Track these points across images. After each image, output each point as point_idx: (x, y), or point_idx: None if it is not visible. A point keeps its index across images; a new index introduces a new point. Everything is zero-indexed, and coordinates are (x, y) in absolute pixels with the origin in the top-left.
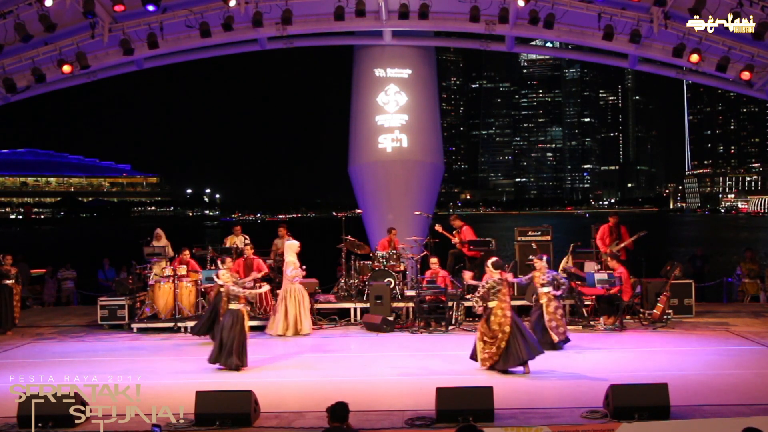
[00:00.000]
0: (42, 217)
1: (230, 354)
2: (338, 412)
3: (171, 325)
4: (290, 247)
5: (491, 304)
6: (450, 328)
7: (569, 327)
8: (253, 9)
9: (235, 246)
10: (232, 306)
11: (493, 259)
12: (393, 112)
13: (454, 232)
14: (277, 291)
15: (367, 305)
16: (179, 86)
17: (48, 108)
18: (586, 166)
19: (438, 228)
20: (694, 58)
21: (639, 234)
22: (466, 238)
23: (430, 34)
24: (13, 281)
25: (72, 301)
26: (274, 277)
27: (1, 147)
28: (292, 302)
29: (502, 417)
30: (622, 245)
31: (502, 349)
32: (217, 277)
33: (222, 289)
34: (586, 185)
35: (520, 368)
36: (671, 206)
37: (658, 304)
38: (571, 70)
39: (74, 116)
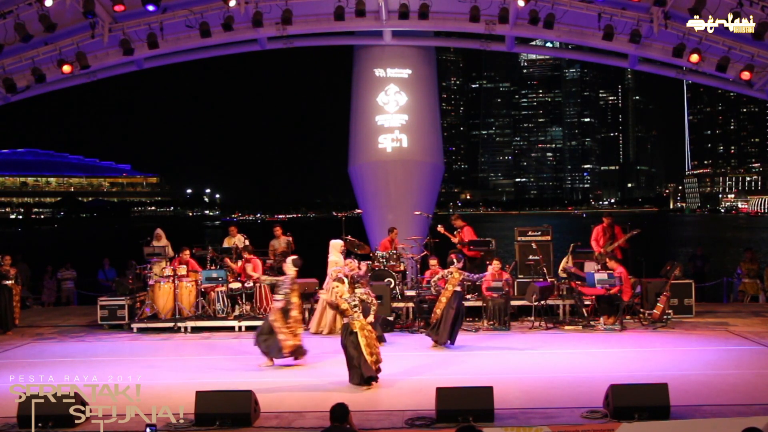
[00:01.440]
0: (42, 217)
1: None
2: (338, 412)
3: (171, 325)
4: (334, 247)
5: (293, 299)
6: None
7: (569, 327)
8: (253, 9)
9: (234, 246)
10: (344, 320)
11: (294, 257)
12: (393, 112)
13: (455, 232)
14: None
15: None
16: (179, 86)
17: (48, 108)
18: (586, 166)
19: (440, 228)
20: (694, 58)
21: (632, 232)
22: (467, 238)
23: (430, 34)
24: (13, 282)
25: (72, 301)
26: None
27: (1, 147)
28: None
29: (502, 417)
30: (616, 244)
31: (300, 337)
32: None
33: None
34: (586, 185)
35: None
36: (671, 206)
37: (658, 304)
38: (571, 70)
39: (74, 116)
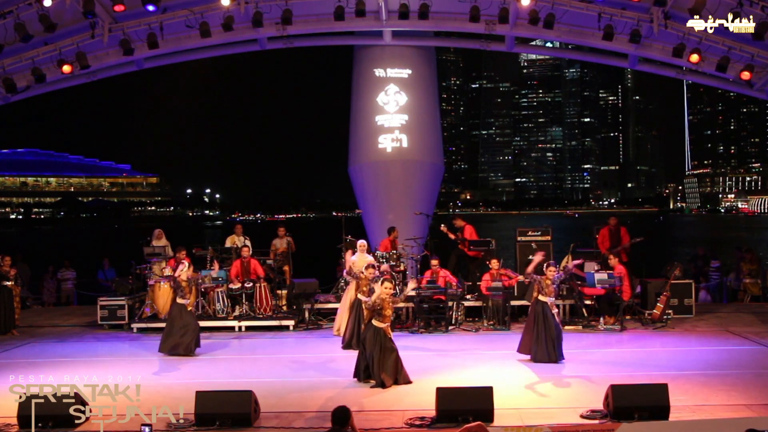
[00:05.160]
0: (42, 217)
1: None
2: (339, 416)
3: None
4: (361, 247)
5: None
6: (450, 328)
7: (569, 327)
8: (253, 9)
9: (235, 246)
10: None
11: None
12: (393, 112)
13: (457, 233)
14: (277, 291)
15: None
16: (179, 86)
17: (48, 108)
18: (586, 166)
19: (443, 228)
20: (694, 58)
21: (636, 240)
22: (468, 238)
23: (430, 34)
24: (12, 282)
25: (72, 301)
26: (274, 278)
27: (1, 147)
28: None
29: (502, 417)
30: (620, 248)
31: None
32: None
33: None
34: (586, 185)
35: None
36: (671, 206)
37: (658, 304)
38: (571, 70)
39: (74, 116)
